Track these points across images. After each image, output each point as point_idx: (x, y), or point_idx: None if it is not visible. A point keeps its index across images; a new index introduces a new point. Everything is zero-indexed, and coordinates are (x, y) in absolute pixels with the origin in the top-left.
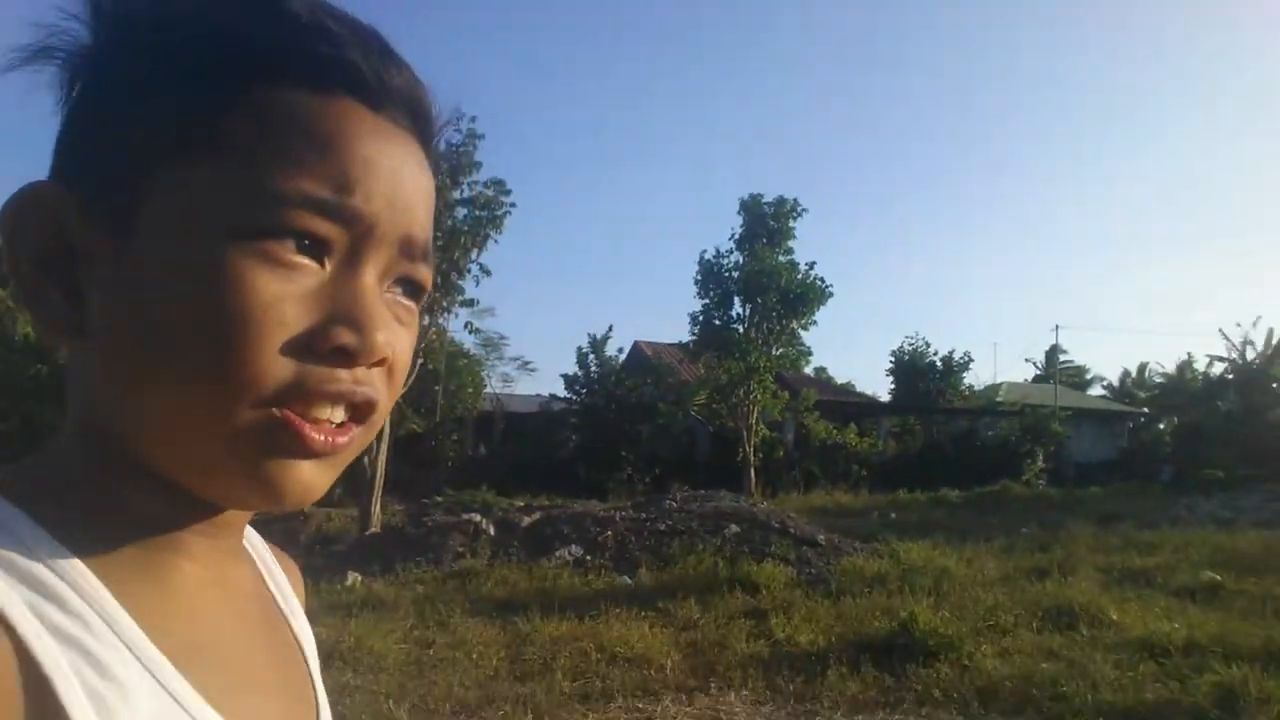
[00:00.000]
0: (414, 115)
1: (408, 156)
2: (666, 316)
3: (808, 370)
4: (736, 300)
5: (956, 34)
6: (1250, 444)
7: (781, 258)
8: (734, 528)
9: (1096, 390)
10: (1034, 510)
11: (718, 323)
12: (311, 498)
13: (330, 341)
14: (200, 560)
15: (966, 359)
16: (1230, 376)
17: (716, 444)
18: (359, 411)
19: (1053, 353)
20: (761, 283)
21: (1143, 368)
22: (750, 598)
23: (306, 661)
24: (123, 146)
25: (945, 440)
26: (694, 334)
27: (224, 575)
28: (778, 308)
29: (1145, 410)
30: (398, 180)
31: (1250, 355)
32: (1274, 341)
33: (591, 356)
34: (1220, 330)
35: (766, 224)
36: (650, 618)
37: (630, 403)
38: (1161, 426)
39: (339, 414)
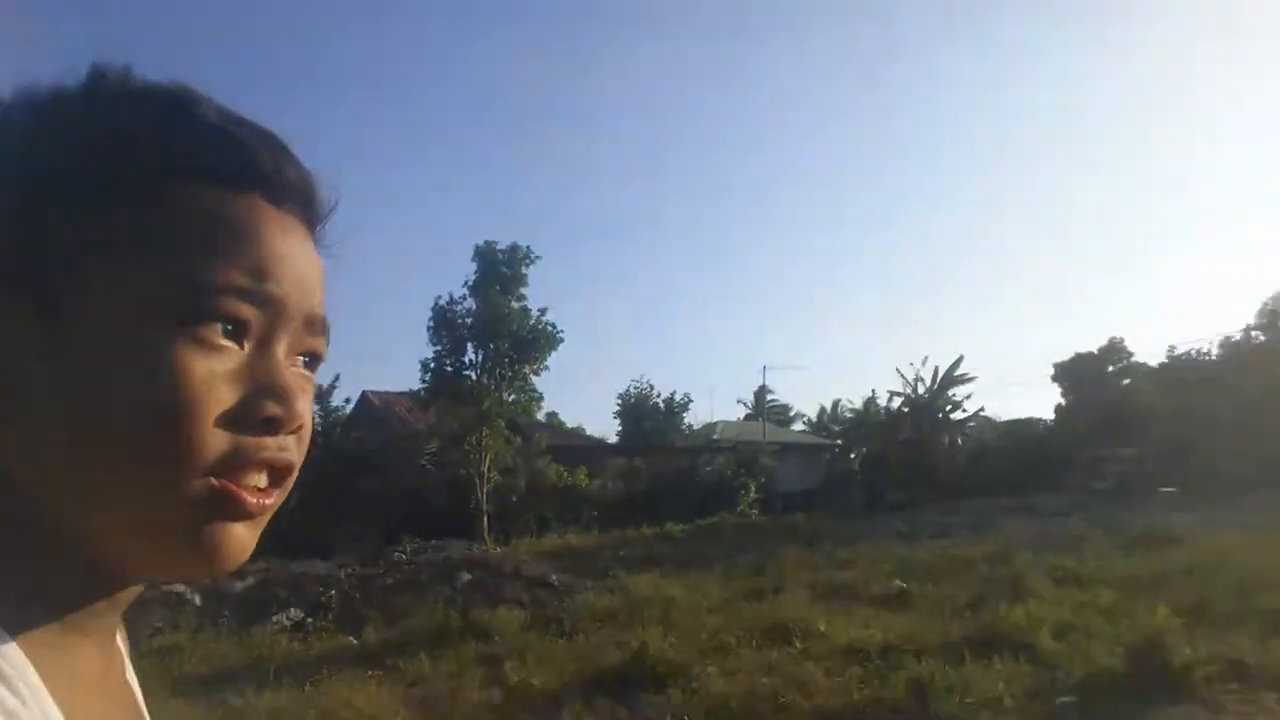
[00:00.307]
0: (307, 205)
1: (305, 242)
2: (394, 365)
3: (540, 415)
4: (469, 346)
5: (671, 89)
6: (923, 469)
7: (515, 304)
8: (466, 576)
9: (799, 425)
10: (748, 538)
11: (450, 369)
12: (244, 557)
13: (260, 413)
14: (96, 641)
15: (686, 400)
16: (906, 410)
17: (449, 492)
18: (278, 475)
19: (761, 392)
20: (495, 329)
21: (836, 404)
22: (483, 645)
23: None
24: (54, 243)
25: (668, 478)
26: (425, 381)
27: (111, 656)
28: (510, 353)
29: (839, 442)
30: (300, 265)
31: (921, 390)
32: (939, 378)
33: (316, 408)
34: (897, 369)
35: (500, 270)
36: (378, 676)
37: (357, 454)
38: (853, 456)
39: (263, 479)
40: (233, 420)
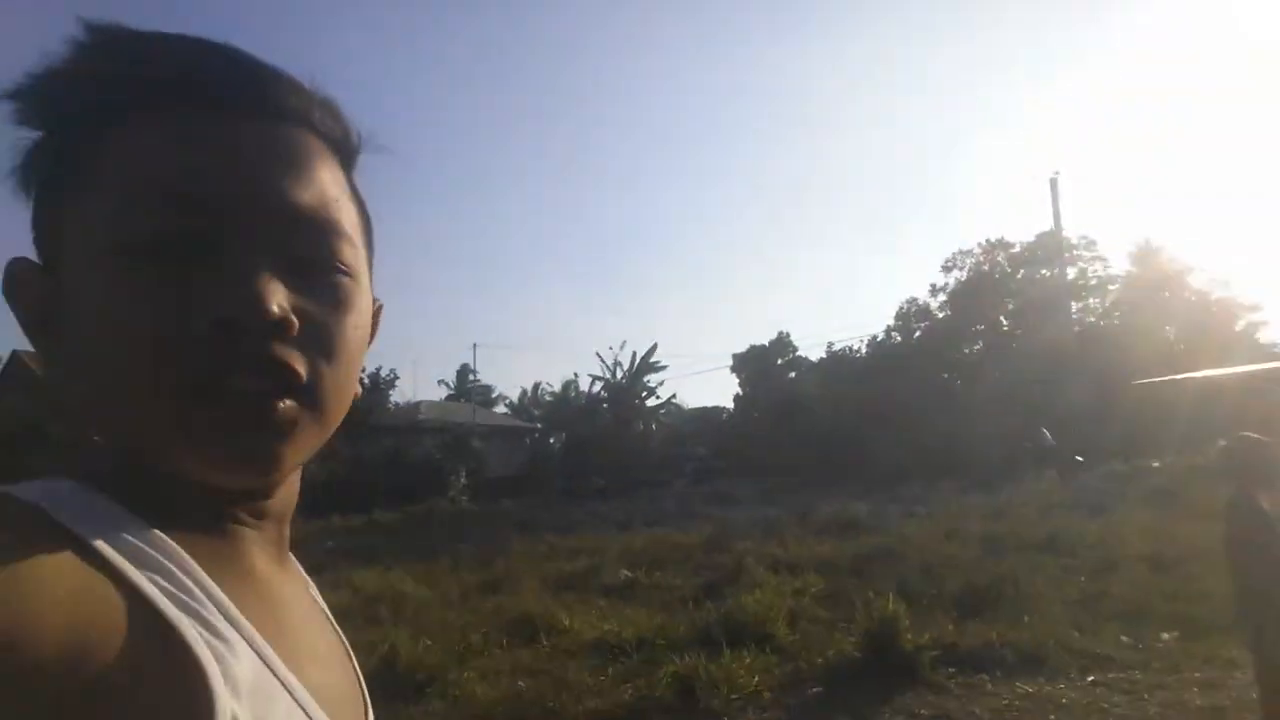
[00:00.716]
0: (256, 101)
1: (263, 139)
2: None
3: None
4: None
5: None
6: (622, 454)
7: None
8: None
9: (501, 409)
10: (463, 526)
11: None
12: (259, 466)
13: (210, 314)
14: (261, 548)
15: (393, 376)
16: (605, 395)
17: None
18: (286, 384)
19: (464, 372)
20: None
21: (536, 386)
22: None
23: (353, 662)
24: (37, 190)
25: (372, 461)
26: None
27: (283, 567)
28: None
29: (539, 426)
30: (253, 163)
31: (619, 375)
32: (635, 364)
33: None
34: (597, 353)
35: None
36: None
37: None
38: (553, 441)
39: (268, 384)
40: (188, 331)
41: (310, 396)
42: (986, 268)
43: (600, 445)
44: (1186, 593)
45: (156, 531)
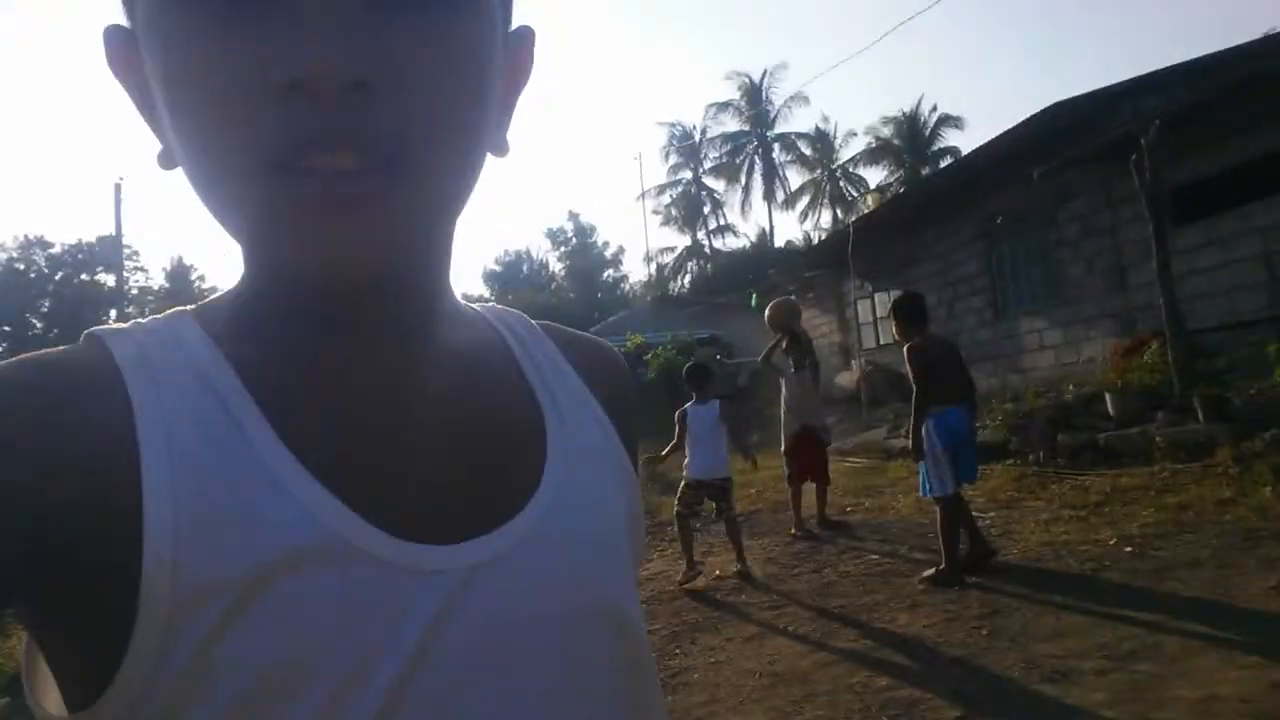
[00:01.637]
0: None
1: None
2: None
3: None
4: None
5: None
6: None
7: None
8: None
9: None
10: None
11: None
12: (347, 253)
13: (272, 76)
14: (368, 350)
15: None
16: None
17: None
18: (377, 153)
19: None
20: None
21: None
22: None
23: (545, 439)
24: None
25: None
26: None
27: (413, 364)
28: None
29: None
30: None
31: None
32: None
33: None
34: None
35: None
36: None
37: None
38: None
39: (347, 160)
40: (262, 95)
41: (398, 167)
42: (22, 266)
43: None
44: None
45: (205, 351)
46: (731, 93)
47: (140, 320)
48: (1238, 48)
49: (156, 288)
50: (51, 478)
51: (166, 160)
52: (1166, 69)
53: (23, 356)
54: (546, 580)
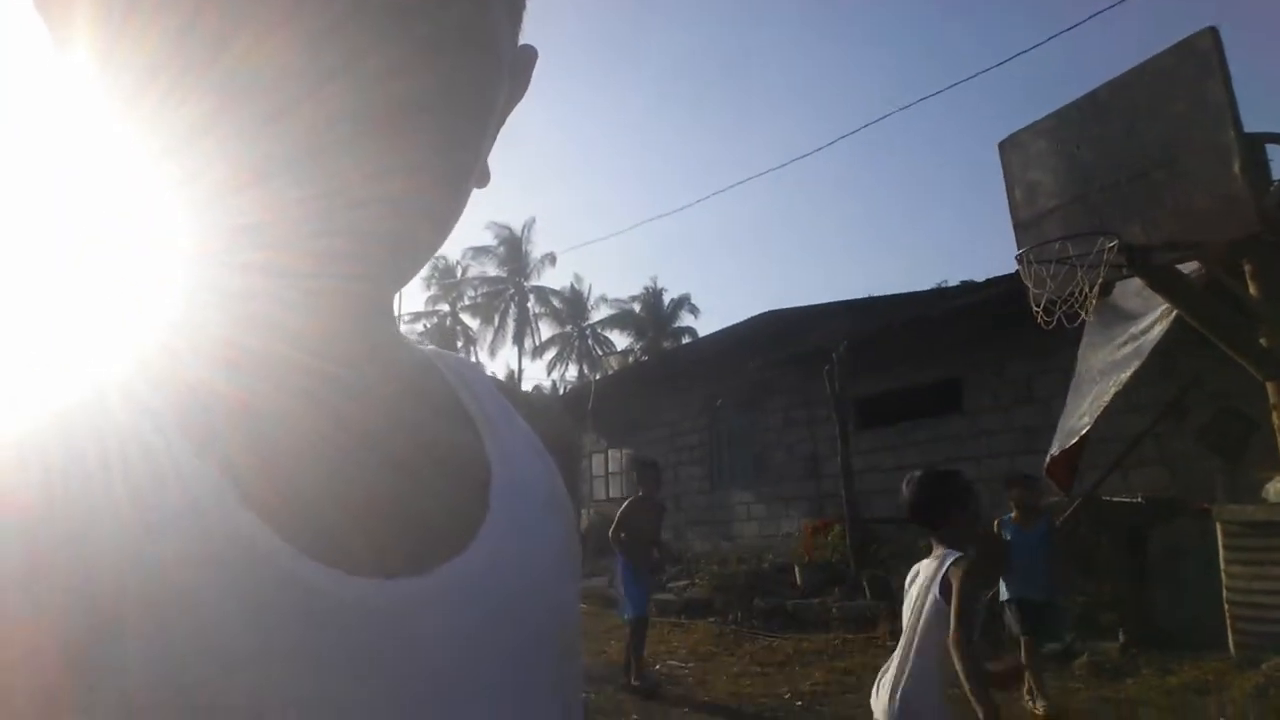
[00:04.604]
0: None
1: None
2: None
3: None
4: None
5: None
6: None
7: None
8: None
9: None
10: None
11: None
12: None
13: None
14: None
15: None
16: None
17: None
18: None
19: None
20: None
21: None
22: None
23: (488, 479)
24: None
25: None
26: None
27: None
28: None
29: None
30: None
31: None
32: None
33: None
34: None
35: None
36: None
37: None
38: None
39: None
40: None
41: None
42: None
43: None
44: None
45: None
46: (490, 240)
47: None
48: (914, 293)
49: None
50: None
51: None
52: (863, 299)
53: None
54: (488, 616)
